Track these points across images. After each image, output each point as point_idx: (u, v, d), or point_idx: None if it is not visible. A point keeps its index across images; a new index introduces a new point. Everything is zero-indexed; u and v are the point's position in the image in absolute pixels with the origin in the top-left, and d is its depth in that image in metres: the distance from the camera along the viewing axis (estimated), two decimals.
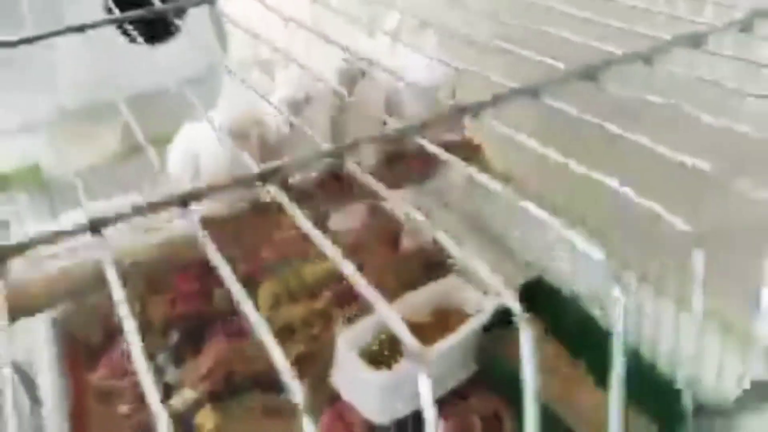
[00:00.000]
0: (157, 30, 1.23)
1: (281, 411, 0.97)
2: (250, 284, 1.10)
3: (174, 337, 1.15)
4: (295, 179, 0.92)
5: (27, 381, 0.95)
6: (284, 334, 1.11)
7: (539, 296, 1.03)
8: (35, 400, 0.94)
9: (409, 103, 0.94)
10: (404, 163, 1.00)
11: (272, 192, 0.35)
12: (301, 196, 0.94)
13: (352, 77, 0.89)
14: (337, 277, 1.14)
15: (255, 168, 0.36)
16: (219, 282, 0.29)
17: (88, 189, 0.40)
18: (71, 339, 1.12)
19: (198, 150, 0.85)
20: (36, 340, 1.07)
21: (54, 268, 0.82)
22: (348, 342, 0.98)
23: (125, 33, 1.22)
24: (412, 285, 1.08)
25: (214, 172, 0.83)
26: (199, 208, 0.33)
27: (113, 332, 1.11)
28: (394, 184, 1.08)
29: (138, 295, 1.13)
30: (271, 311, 1.15)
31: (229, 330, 1.13)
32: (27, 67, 1.17)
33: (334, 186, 0.96)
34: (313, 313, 1.14)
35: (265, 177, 0.36)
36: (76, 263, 0.81)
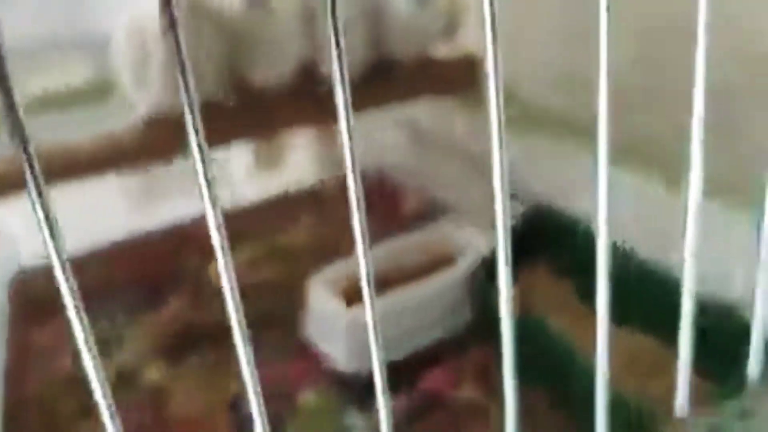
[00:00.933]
0: None
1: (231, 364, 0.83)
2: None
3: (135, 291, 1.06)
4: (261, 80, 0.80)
5: None
6: (254, 290, 0.98)
7: (544, 228, 0.87)
8: None
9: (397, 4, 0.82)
10: (390, 78, 0.88)
11: None
12: (269, 103, 0.82)
13: None
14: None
15: None
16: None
17: None
18: (25, 299, 1.07)
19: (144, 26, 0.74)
20: None
21: None
22: (320, 281, 0.86)
23: None
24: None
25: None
26: None
27: None
28: (379, 101, 0.98)
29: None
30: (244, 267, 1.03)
31: (194, 284, 1.01)
32: None
33: (306, 97, 0.84)
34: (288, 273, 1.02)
35: None
36: None
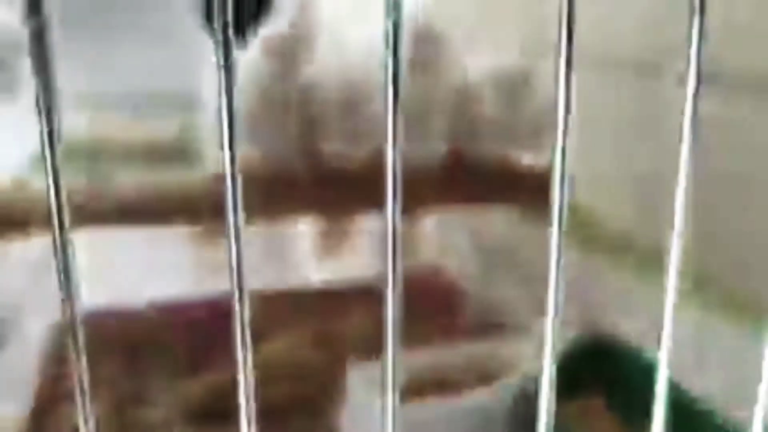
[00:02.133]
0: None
1: None
2: None
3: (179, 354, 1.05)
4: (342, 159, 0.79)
5: None
6: (293, 374, 0.97)
7: (598, 357, 0.82)
8: None
9: (485, 104, 0.81)
10: (468, 178, 0.86)
11: None
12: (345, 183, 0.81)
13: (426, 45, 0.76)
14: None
15: None
16: None
17: None
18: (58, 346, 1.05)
19: None
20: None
21: None
22: (361, 373, 0.83)
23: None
24: None
25: None
26: None
27: None
28: (452, 201, 0.96)
29: None
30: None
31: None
32: None
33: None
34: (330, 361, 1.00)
35: None
36: None
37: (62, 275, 0.24)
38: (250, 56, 0.68)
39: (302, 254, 1.24)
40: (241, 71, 0.22)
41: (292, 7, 0.83)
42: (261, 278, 0.27)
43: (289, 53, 0.70)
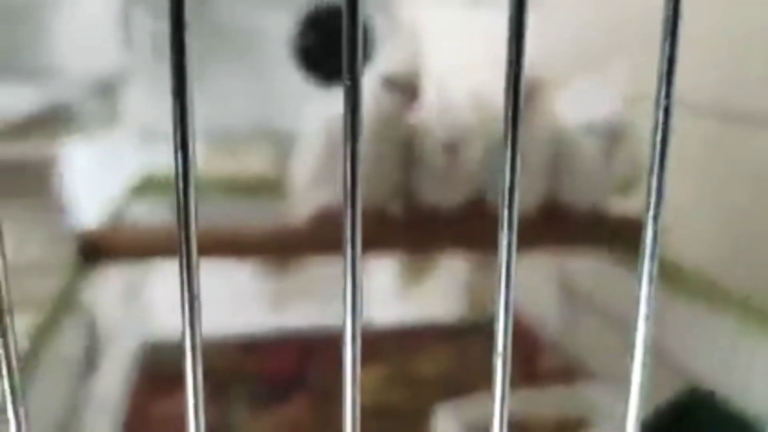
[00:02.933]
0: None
1: None
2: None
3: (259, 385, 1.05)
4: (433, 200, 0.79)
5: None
6: (378, 412, 0.96)
7: (695, 416, 0.79)
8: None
9: (581, 151, 0.79)
10: (559, 225, 0.84)
11: None
12: (435, 224, 0.81)
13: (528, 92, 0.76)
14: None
15: None
16: None
17: None
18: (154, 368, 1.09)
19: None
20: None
21: None
22: (449, 412, 0.82)
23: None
24: None
25: None
26: None
27: None
28: (542, 247, 0.94)
29: None
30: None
31: (317, 393, 1.00)
32: None
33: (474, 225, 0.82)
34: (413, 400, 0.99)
35: None
36: None
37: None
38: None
39: (383, 291, 1.24)
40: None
41: (402, 52, 0.84)
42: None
43: (397, 96, 0.71)
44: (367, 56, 1.24)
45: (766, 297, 0.75)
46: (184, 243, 0.24)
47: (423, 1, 1.19)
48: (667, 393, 0.82)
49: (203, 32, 1.05)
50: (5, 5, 0.61)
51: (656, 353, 0.68)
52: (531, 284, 1.10)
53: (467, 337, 1.16)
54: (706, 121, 0.79)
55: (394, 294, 1.23)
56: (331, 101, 0.80)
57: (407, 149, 0.73)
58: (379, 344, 1.06)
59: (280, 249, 0.89)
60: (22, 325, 0.56)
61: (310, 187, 0.78)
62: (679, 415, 0.76)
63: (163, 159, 1.11)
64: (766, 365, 0.72)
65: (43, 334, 0.65)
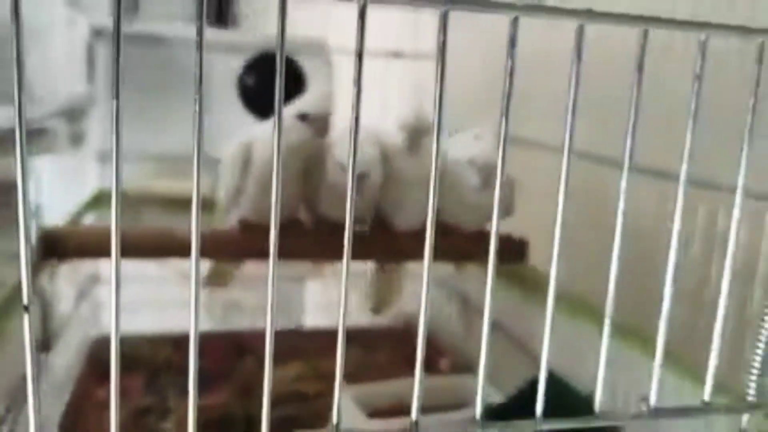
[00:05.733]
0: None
1: None
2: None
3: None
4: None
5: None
6: (292, 399, 1.08)
7: (553, 401, 0.93)
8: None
9: (467, 177, 0.93)
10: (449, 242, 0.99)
11: None
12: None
13: (418, 133, 0.90)
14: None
15: None
16: None
17: None
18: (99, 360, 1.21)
19: (254, 137, 0.87)
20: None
21: None
22: (348, 396, 0.94)
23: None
24: None
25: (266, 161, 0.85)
26: None
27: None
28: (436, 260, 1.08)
29: None
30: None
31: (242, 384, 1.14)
32: None
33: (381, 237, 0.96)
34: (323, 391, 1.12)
35: None
36: None
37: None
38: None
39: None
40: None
41: (320, 91, 0.99)
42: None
43: (310, 129, 0.85)
44: (298, 92, 1.38)
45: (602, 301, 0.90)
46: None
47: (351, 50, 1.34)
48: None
49: (163, 71, 1.18)
50: None
51: (520, 346, 0.85)
52: (434, 295, 1.25)
53: (371, 338, 1.30)
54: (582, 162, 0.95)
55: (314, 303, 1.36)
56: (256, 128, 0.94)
57: (316, 173, 0.87)
58: (297, 345, 1.19)
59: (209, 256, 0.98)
60: None
61: (230, 203, 0.90)
62: (532, 392, 0.90)
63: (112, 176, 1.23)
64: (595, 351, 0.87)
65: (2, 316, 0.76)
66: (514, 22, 0.32)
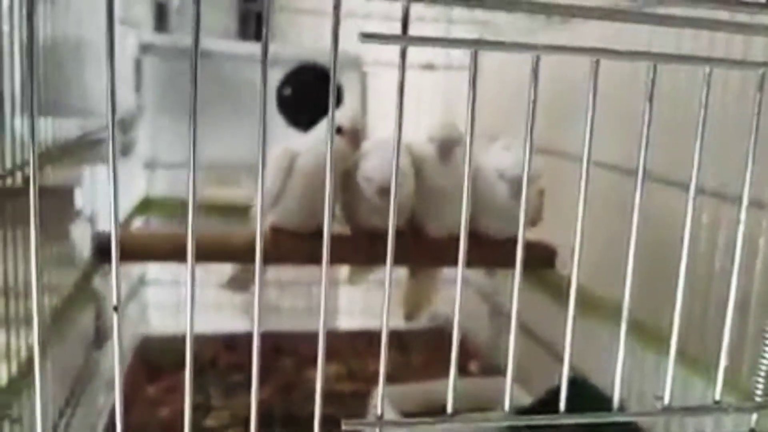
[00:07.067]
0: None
1: None
2: None
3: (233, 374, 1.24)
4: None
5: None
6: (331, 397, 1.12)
7: (576, 400, 0.96)
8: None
9: (497, 188, 0.96)
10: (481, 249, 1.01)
11: None
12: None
13: (449, 144, 0.93)
14: None
15: None
16: None
17: None
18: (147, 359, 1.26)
19: (298, 148, 0.91)
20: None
21: None
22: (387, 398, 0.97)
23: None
24: None
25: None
26: None
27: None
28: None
29: None
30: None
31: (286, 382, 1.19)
32: None
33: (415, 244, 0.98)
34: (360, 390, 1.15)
35: None
36: None
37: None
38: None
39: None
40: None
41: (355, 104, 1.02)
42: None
43: (343, 141, 0.88)
44: (338, 104, 1.42)
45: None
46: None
47: (386, 62, 1.37)
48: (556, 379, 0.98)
49: (210, 84, 1.23)
50: (57, 57, 0.78)
51: (548, 349, 0.88)
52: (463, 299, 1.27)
53: (405, 341, 1.33)
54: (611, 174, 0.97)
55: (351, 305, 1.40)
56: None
57: (350, 184, 0.90)
58: (333, 346, 1.22)
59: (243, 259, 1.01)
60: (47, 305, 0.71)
61: (264, 209, 0.93)
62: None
63: (160, 184, 1.29)
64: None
65: (62, 313, 0.80)
66: (536, 61, 0.36)
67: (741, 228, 0.42)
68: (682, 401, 0.44)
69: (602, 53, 0.36)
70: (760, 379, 0.44)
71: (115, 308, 0.34)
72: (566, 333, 0.41)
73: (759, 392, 0.44)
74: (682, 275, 0.42)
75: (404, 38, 0.34)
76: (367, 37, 0.33)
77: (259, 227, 0.35)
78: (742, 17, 0.38)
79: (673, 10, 0.38)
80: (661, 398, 0.44)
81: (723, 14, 0.39)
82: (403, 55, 0.34)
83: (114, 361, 0.33)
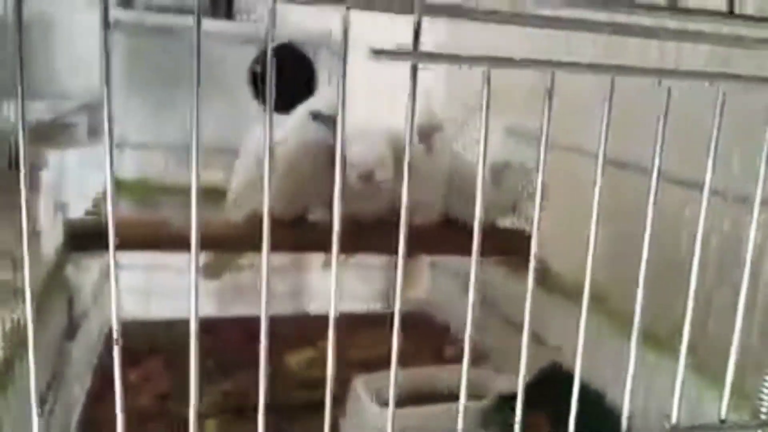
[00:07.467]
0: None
1: None
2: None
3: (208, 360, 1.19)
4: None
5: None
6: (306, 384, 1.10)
7: (553, 381, 0.95)
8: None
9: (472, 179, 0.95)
10: (460, 236, 1.00)
11: None
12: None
13: (428, 131, 0.92)
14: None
15: None
16: None
17: None
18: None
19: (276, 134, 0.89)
20: None
21: None
22: (361, 383, 0.96)
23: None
24: None
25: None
26: None
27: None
28: (447, 253, 1.10)
29: None
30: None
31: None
32: None
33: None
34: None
35: None
36: None
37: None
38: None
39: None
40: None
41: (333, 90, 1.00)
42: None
43: (322, 127, 0.86)
44: (309, 88, 1.39)
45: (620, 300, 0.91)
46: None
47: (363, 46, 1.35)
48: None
49: (181, 63, 1.19)
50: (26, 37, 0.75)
51: (532, 336, 0.85)
52: (444, 284, 1.27)
53: (384, 326, 1.31)
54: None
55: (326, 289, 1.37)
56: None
57: (330, 171, 0.88)
58: (312, 331, 1.20)
59: (219, 247, 1.00)
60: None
61: (241, 196, 0.92)
62: (544, 381, 0.92)
63: (128, 166, 1.24)
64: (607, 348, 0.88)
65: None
66: (552, 77, 0.34)
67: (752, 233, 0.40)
68: (683, 402, 0.43)
69: (617, 70, 0.35)
70: (765, 396, 0.43)
71: (116, 341, 0.31)
72: (578, 345, 0.39)
73: (764, 409, 0.43)
74: (691, 293, 0.41)
75: (415, 54, 0.32)
76: (377, 53, 0.30)
77: (266, 223, 0.32)
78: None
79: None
80: (669, 418, 0.43)
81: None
82: (414, 72, 0.32)
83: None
